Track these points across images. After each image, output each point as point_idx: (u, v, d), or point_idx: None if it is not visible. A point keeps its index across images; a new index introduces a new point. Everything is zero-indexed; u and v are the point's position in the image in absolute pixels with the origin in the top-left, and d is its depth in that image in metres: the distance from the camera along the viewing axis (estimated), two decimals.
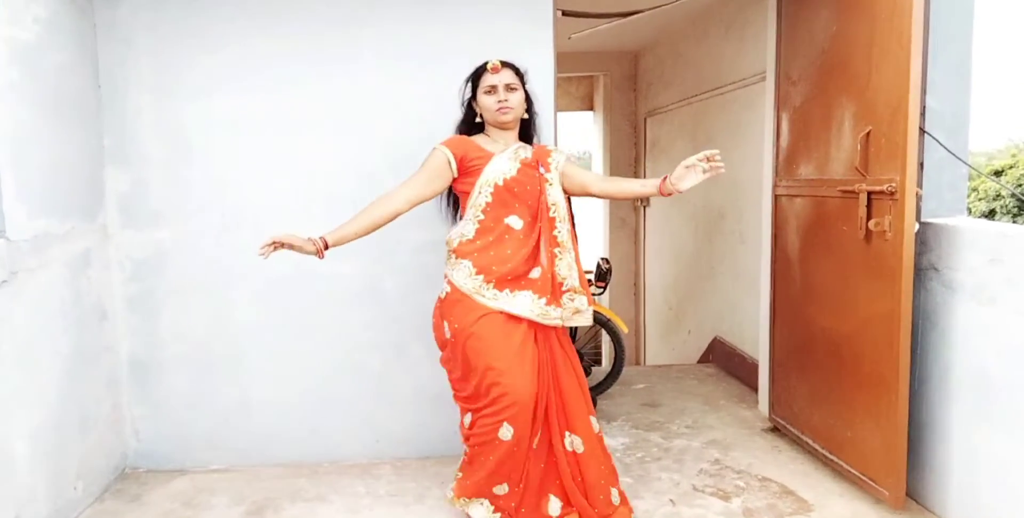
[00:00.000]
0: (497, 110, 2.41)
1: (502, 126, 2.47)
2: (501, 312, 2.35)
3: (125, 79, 2.91)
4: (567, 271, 2.42)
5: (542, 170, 2.45)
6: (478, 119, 2.50)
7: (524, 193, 2.42)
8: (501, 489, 2.39)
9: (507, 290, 2.37)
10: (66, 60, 2.66)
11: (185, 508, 2.73)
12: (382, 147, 2.99)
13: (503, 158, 2.42)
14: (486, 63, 2.45)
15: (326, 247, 2.34)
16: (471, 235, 2.41)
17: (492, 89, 2.41)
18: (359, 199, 3.00)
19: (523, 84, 2.48)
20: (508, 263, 2.38)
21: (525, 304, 2.36)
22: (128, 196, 2.96)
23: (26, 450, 2.35)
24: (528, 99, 2.51)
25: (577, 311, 2.42)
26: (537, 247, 2.43)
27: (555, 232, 2.43)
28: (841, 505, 2.66)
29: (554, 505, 2.41)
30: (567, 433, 2.42)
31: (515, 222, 2.41)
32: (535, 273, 2.40)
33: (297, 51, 2.94)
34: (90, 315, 2.79)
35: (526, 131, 2.59)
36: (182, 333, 3.03)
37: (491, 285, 2.37)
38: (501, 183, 2.39)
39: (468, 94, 2.51)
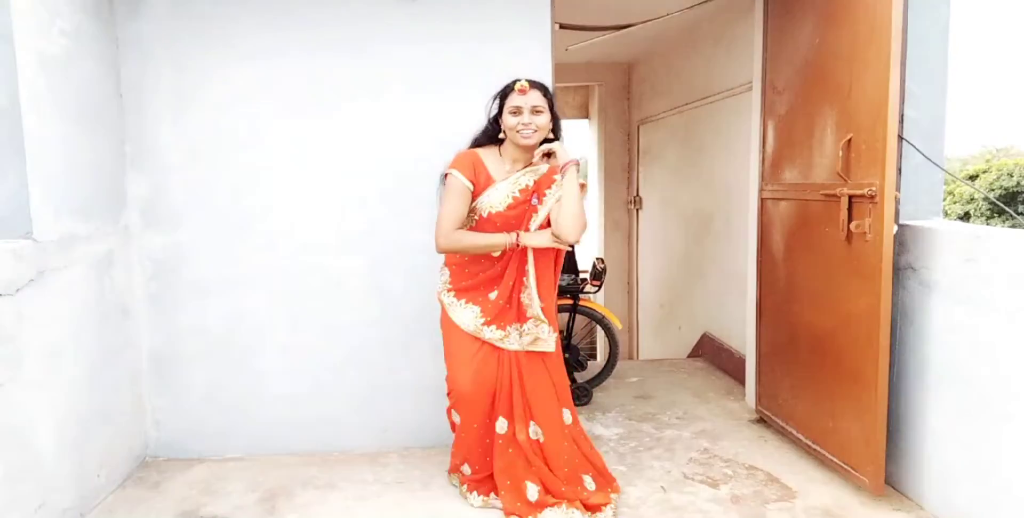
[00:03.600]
0: (518, 132, 2.32)
1: (524, 148, 2.38)
2: None
3: (145, 88, 2.91)
4: (528, 300, 2.44)
5: (535, 201, 2.39)
6: (501, 136, 2.41)
7: (507, 224, 2.41)
8: (467, 469, 2.60)
9: (463, 300, 2.48)
10: (90, 71, 2.67)
11: (202, 495, 2.73)
12: (390, 152, 3.00)
13: (499, 189, 2.38)
14: (515, 82, 2.34)
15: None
16: None
17: (517, 110, 2.32)
18: (370, 203, 3.02)
19: (551, 107, 2.37)
20: (472, 279, 2.46)
21: (468, 318, 2.46)
22: (149, 199, 2.96)
23: (52, 440, 2.35)
24: (555, 121, 2.39)
25: (537, 338, 2.44)
26: (503, 272, 2.43)
27: (527, 265, 2.42)
28: (823, 492, 2.67)
29: (531, 490, 2.45)
30: (531, 423, 2.47)
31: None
32: (492, 294, 2.44)
33: (309, 60, 2.94)
34: (113, 312, 2.79)
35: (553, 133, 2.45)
36: (200, 329, 3.03)
37: (452, 293, 2.50)
38: (486, 215, 2.40)
39: (495, 111, 2.41)
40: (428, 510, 2.57)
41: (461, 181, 2.36)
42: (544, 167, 2.43)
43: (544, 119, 2.34)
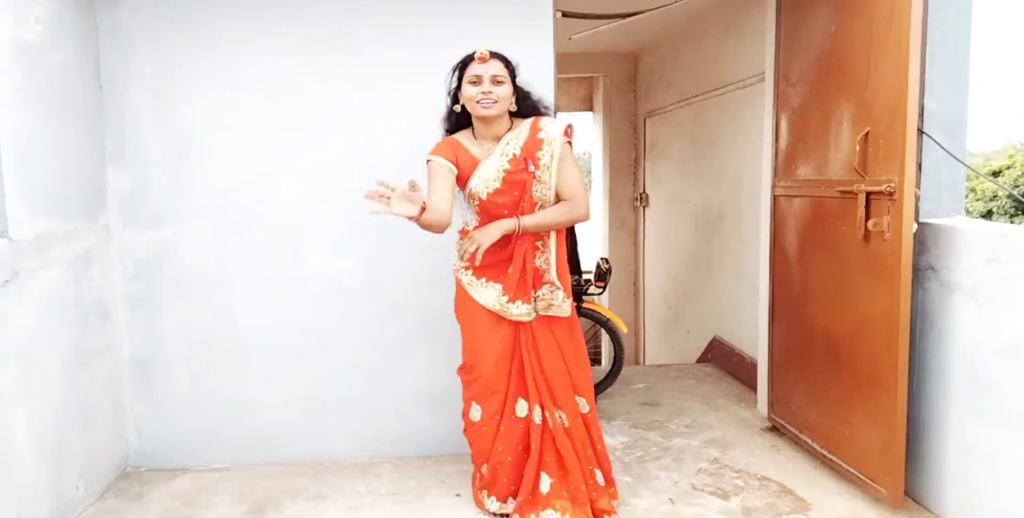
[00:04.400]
0: (478, 102, 2.30)
1: (485, 121, 2.37)
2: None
3: (126, 79, 2.90)
4: (545, 265, 2.46)
5: (531, 168, 2.37)
6: (457, 109, 2.41)
7: (510, 199, 2.40)
8: (485, 469, 2.55)
9: (483, 279, 2.48)
10: (68, 60, 2.66)
11: (186, 507, 2.73)
12: (382, 147, 2.99)
13: (488, 166, 2.38)
14: (474, 51, 2.34)
15: (422, 212, 2.16)
16: (475, 223, 2.51)
17: (477, 79, 2.31)
18: (359, 198, 3.01)
19: (513, 78, 2.37)
20: (492, 257, 2.44)
21: (491, 297, 2.46)
22: (130, 196, 2.95)
23: (28, 449, 2.35)
24: (519, 92, 2.40)
25: (550, 305, 2.45)
26: (514, 243, 2.43)
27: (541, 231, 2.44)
28: (840, 504, 2.66)
29: (544, 483, 2.46)
30: (556, 409, 2.47)
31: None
32: (511, 269, 2.44)
33: (298, 51, 2.94)
34: (92, 314, 2.79)
35: (525, 111, 2.45)
36: (183, 332, 3.03)
37: (470, 272, 2.50)
38: (485, 197, 2.40)
39: (454, 84, 2.40)
40: None
41: (440, 162, 2.38)
42: (524, 128, 2.40)
43: (506, 90, 2.33)
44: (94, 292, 2.81)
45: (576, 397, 2.52)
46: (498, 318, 2.47)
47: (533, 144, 2.37)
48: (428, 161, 2.41)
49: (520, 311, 2.44)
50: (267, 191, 2.99)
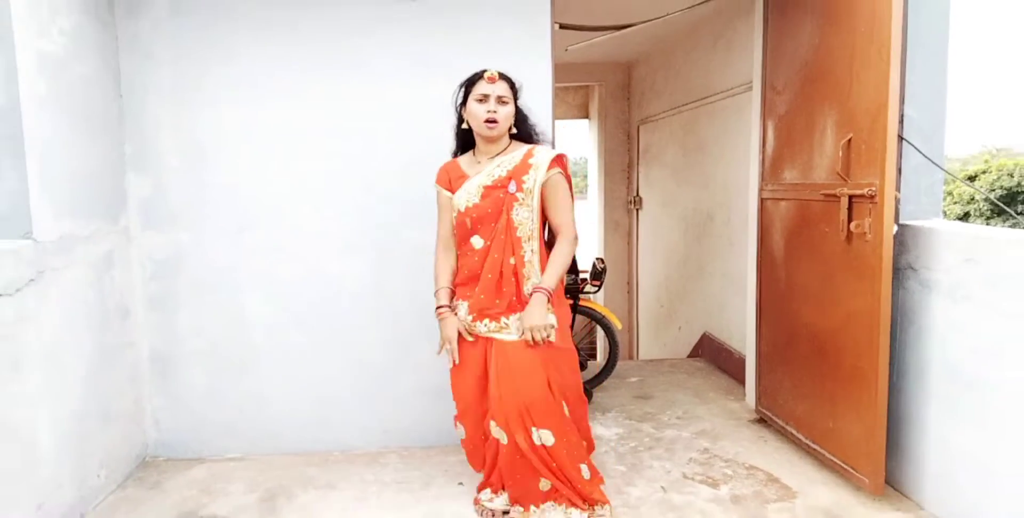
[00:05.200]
0: (484, 121, 2.29)
1: (487, 139, 2.36)
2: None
3: (145, 89, 2.91)
4: (529, 273, 2.34)
5: (512, 189, 2.30)
6: (464, 126, 2.39)
7: (485, 217, 2.33)
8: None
9: (459, 300, 2.44)
10: (90, 71, 2.66)
11: (203, 494, 2.73)
12: (388, 154, 3.00)
13: (472, 182, 2.35)
14: (484, 71, 2.33)
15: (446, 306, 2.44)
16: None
17: (484, 98, 2.29)
18: (365, 204, 3.02)
19: (515, 99, 2.36)
20: (468, 273, 2.40)
21: (461, 313, 2.40)
22: (148, 200, 2.96)
23: (52, 441, 2.35)
24: (519, 114, 2.39)
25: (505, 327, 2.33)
26: (494, 266, 2.32)
27: (521, 252, 2.32)
28: (823, 492, 2.66)
29: (544, 484, 2.40)
30: (533, 429, 2.30)
31: (476, 241, 2.37)
32: (476, 287, 2.35)
33: (309, 64, 2.94)
34: (113, 313, 2.79)
35: (524, 133, 2.44)
36: (200, 330, 3.03)
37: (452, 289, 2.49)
38: (463, 209, 2.36)
39: (460, 100, 2.39)
40: (428, 510, 2.57)
41: (440, 193, 2.44)
42: (518, 154, 2.36)
43: (508, 111, 2.32)
44: (115, 291, 2.81)
45: (562, 404, 2.38)
46: (473, 339, 2.42)
47: (522, 168, 2.33)
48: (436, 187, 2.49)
49: (481, 330, 2.37)
50: (278, 196, 3.00)
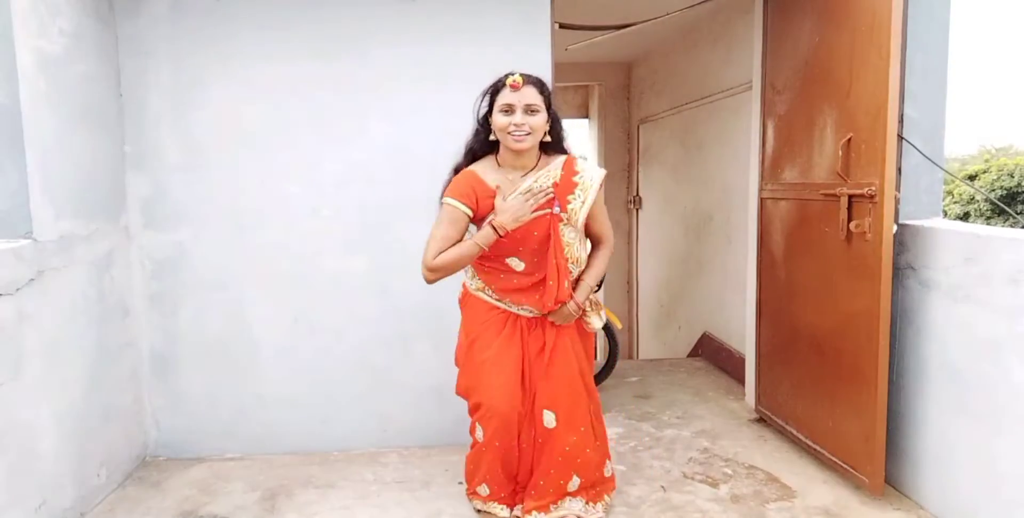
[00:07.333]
0: (510, 133, 2.04)
1: (517, 152, 2.11)
2: (493, 313, 2.26)
3: (146, 88, 2.90)
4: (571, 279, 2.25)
5: (556, 209, 2.10)
6: (492, 138, 2.13)
7: (528, 238, 2.11)
8: (484, 489, 2.41)
9: (507, 300, 2.28)
10: (90, 70, 2.66)
11: (203, 494, 2.73)
12: (389, 154, 2.99)
13: (514, 200, 2.10)
14: (507, 75, 2.06)
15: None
16: (471, 273, 2.34)
17: (509, 108, 2.04)
18: (365, 203, 3.02)
19: (548, 105, 2.09)
20: (512, 284, 2.24)
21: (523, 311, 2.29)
22: (149, 199, 2.96)
23: (52, 440, 2.35)
24: (554, 121, 2.13)
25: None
26: (543, 281, 2.18)
27: (570, 277, 2.20)
28: (823, 491, 2.66)
29: (574, 483, 2.33)
30: (544, 410, 2.26)
31: (516, 263, 2.19)
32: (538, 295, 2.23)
33: (308, 63, 2.94)
34: (113, 312, 2.79)
35: (557, 142, 2.20)
36: (200, 329, 3.03)
37: (488, 291, 2.30)
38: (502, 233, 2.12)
39: (483, 110, 2.13)
40: (428, 509, 2.57)
41: (458, 208, 2.12)
42: (555, 169, 2.14)
43: (540, 119, 2.06)
44: (115, 291, 2.81)
45: (583, 398, 2.35)
46: (510, 332, 2.24)
47: (565, 187, 2.12)
48: (443, 202, 2.14)
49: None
50: (278, 195, 2.99)
